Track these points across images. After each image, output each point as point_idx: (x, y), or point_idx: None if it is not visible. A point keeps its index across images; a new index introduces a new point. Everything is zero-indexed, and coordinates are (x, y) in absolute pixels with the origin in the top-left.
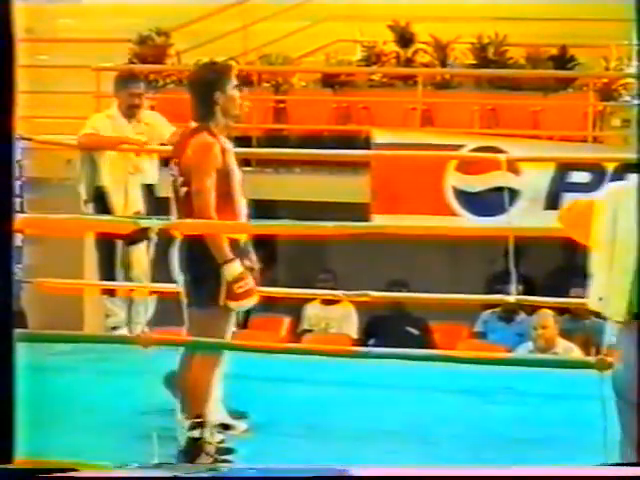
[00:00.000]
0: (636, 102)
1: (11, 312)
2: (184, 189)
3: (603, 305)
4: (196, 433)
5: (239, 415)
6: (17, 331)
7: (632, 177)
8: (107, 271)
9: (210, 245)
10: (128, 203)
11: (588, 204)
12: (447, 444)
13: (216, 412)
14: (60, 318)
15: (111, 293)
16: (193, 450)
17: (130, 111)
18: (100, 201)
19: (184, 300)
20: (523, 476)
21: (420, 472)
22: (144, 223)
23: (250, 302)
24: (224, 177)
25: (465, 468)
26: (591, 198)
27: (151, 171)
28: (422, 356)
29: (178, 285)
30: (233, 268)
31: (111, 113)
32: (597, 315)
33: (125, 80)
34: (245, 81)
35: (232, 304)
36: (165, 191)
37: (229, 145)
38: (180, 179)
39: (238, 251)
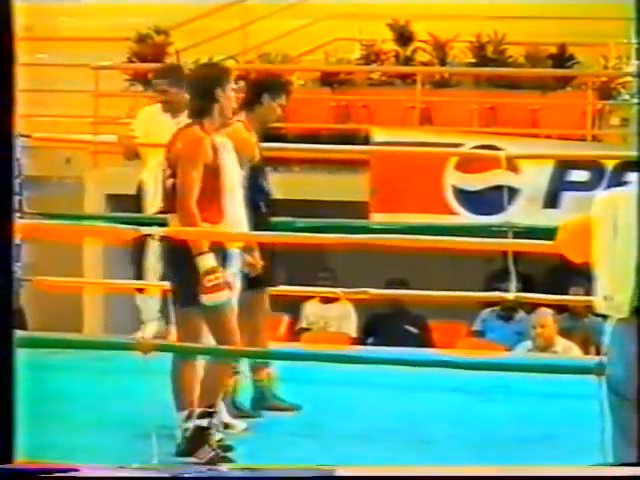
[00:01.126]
0: (635, 101)
1: (11, 312)
2: (170, 181)
3: (608, 303)
4: (204, 422)
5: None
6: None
7: (624, 186)
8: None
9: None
10: (156, 197)
11: (583, 222)
12: (445, 443)
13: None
14: (59, 316)
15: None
16: (197, 440)
17: (170, 106)
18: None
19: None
20: (521, 476)
21: (417, 472)
22: (145, 230)
23: (220, 297)
24: (212, 173)
25: (462, 467)
26: (584, 215)
27: None
28: (420, 361)
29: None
30: (205, 261)
31: (155, 108)
32: (598, 314)
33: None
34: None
35: (204, 298)
36: None
37: (222, 143)
38: (168, 171)
39: (222, 253)
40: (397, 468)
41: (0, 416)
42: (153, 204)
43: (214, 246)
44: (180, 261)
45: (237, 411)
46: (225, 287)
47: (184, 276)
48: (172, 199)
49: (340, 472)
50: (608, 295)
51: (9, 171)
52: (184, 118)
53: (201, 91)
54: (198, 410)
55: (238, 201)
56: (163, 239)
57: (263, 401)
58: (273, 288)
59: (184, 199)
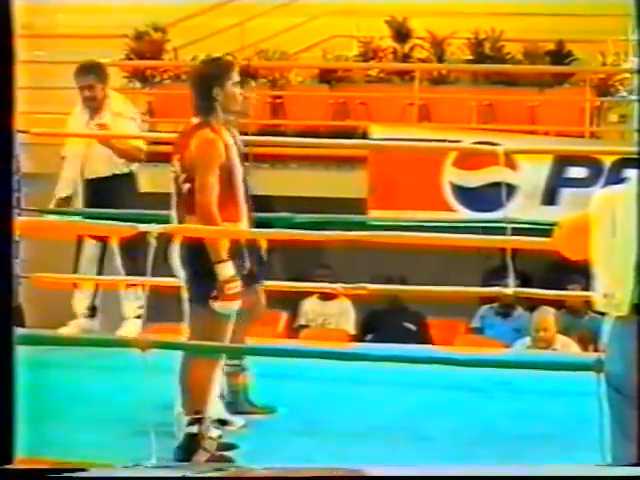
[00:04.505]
0: (634, 97)
1: (11, 310)
2: (186, 185)
3: (607, 301)
4: (194, 429)
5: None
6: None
7: (622, 183)
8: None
9: (206, 244)
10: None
11: (580, 220)
12: (444, 440)
13: (214, 408)
14: (56, 313)
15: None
16: (191, 446)
17: (85, 105)
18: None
19: (185, 295)
20: (520, 475)
21: (416, 470)
22: (143, 228)
23: (234, 306)
24: (227, 173)
25: (461, 465)
26: (582, 213)
27: None
28: (419, 358)
29: (179, 280)
30: (226, 269)
31: (75, 111)
32: (598, 312)
33: (75, 74)
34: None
35: (218, 304)
36: None
37: (231, 140)
38: (182, 176)
39: (239, 251)
40: (395, 466)
41: (7, 417)
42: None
43: (232, 245)
44: (199, 261)
45: (250, 407)
46: (239, 297)
47: (200, 276)
48: (188, 204)
49: (340, 470)
50: (608, 293)
51: (8, 169)
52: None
53: (200, 90)
54: (187, 418)
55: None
56: (184, 240)
57: (235, 406)
58: (263, 286)
59: (205, 204)
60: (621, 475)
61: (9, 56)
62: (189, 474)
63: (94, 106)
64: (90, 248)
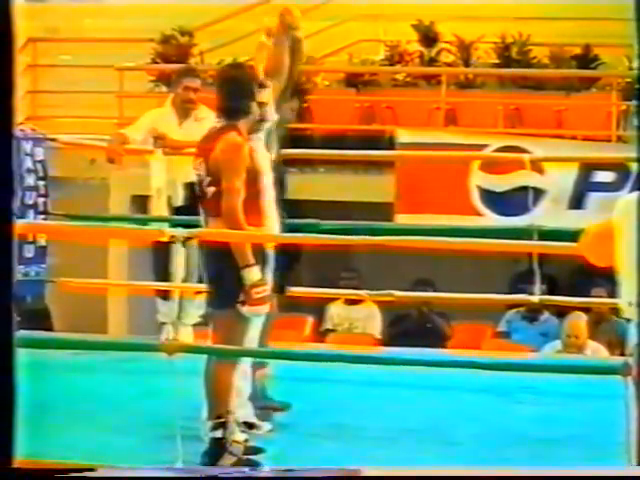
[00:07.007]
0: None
1: (11, 310)
2: (211, 189)
3: (633, 309)
4: (218, 433)
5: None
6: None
7: None
8: (161, 271)
9: (233, 248)
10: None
11: (606, 226)
12: (469, 444)
13: (241, 411)
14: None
15: (164, 295)
16: (216, 450)
17: (183, 106)
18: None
19: (206, 300)
20: (547, 476)
21: (442, 473)
22: (170, 232)
23: (264, 310)
24: (253, 177)
25: (486, 468)
26: (607, 219)
27: None
28: (446, 362)
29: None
30: (253, 273)
31: (163, 110)
32: (625, 318)
33: (181, 74)
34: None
35: (246, 309)
36: None
37: (256, 145)
38: (207, 179)
39: (262, 256)
40: (421, 469)
41: (2, 416)
42: (158, 206)
43: (255, 249)
44: (222, 266)
45: (268, 402)
46: (268, 300)
47: (226, 280)
48: (213, 207)
49: (363, 472)
50: (632, 301)
51: (9, 172)
52: (191, 120)
53: (229, 93)
54: (210, 422)
55: (272, 202)
56: (205, 244)
57: (255, 401)
58: (282, 294)
59: (231, 208)
60: (621, 475)
61: (9, 58)
62: (222, 474)
63: (190, 109)
64: (180, 251)
